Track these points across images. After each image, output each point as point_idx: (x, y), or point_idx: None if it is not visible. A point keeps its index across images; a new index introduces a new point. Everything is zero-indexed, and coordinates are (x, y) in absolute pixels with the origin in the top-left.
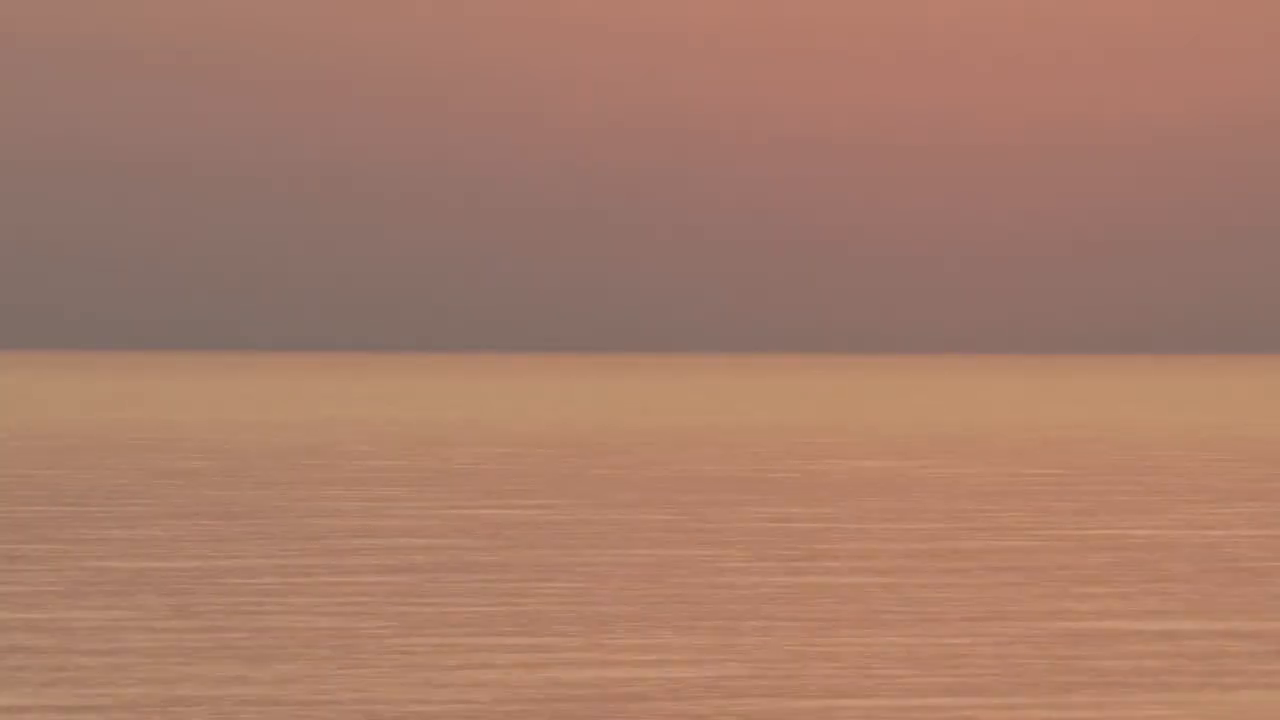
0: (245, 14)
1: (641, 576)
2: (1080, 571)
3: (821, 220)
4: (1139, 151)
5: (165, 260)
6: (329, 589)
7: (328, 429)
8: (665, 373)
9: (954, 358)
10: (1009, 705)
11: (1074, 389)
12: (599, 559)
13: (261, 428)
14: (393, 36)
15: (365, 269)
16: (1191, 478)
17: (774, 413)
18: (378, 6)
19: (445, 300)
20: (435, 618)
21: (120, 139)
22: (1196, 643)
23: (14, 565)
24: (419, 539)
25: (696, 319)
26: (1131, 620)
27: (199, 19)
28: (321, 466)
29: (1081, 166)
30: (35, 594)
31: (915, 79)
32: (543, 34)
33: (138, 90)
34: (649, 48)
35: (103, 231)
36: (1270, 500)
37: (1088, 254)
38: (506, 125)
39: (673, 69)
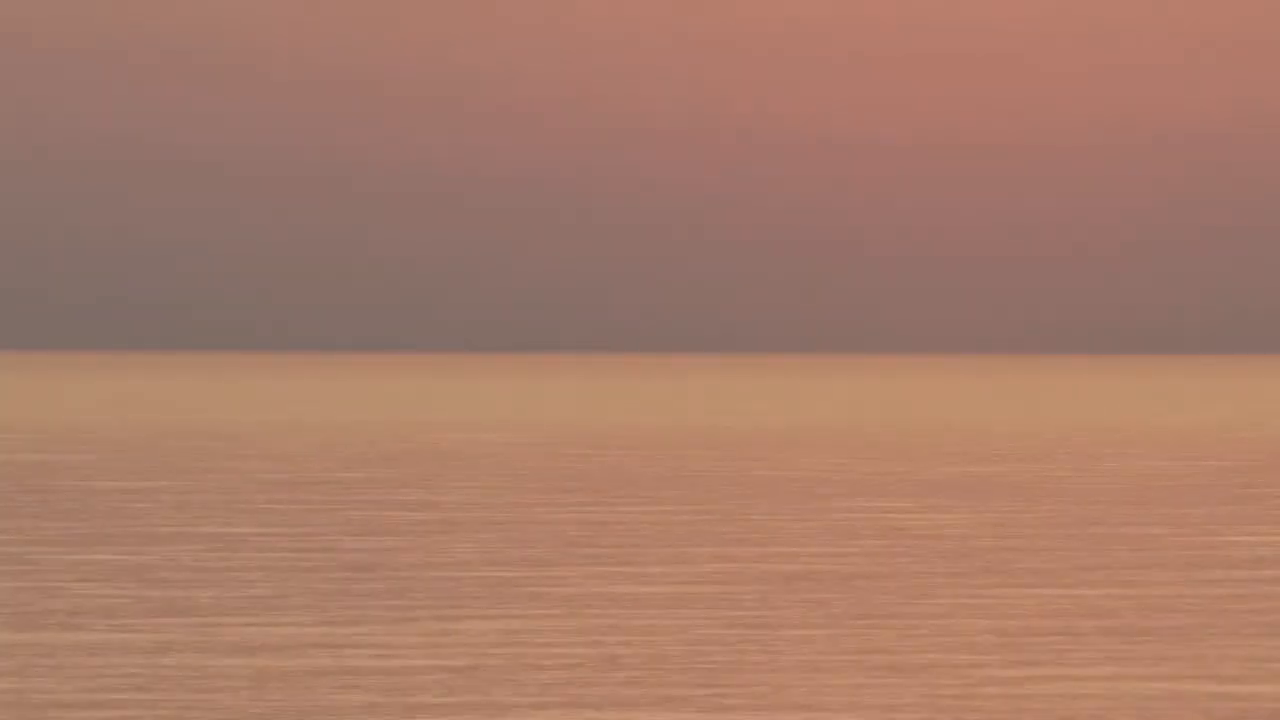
0: (246, 14)
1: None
2: None
3: (823, 221)
4: (1139, 151)
5: (163, 260)
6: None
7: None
8: (703, 372)
9: (951, 358)
10: None
11: (1132, 388)
12: None
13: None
14: (394, 37)
15: (366, 269)
16: None
17: (876, 412)
18: (380, 7)
19: (446, 300)
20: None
21: (119, 138)
22: None
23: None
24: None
25: (697, 319)
26: None
27: (199, 19)
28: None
29: (1083, 167)
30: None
31: (917, 79)
32: (544, 35)
33: (137, 90)
34: (650, 48)
35: (101, 231)
36: None
37: (1088, 254)
38: (508, 126)
39: (674, 70)
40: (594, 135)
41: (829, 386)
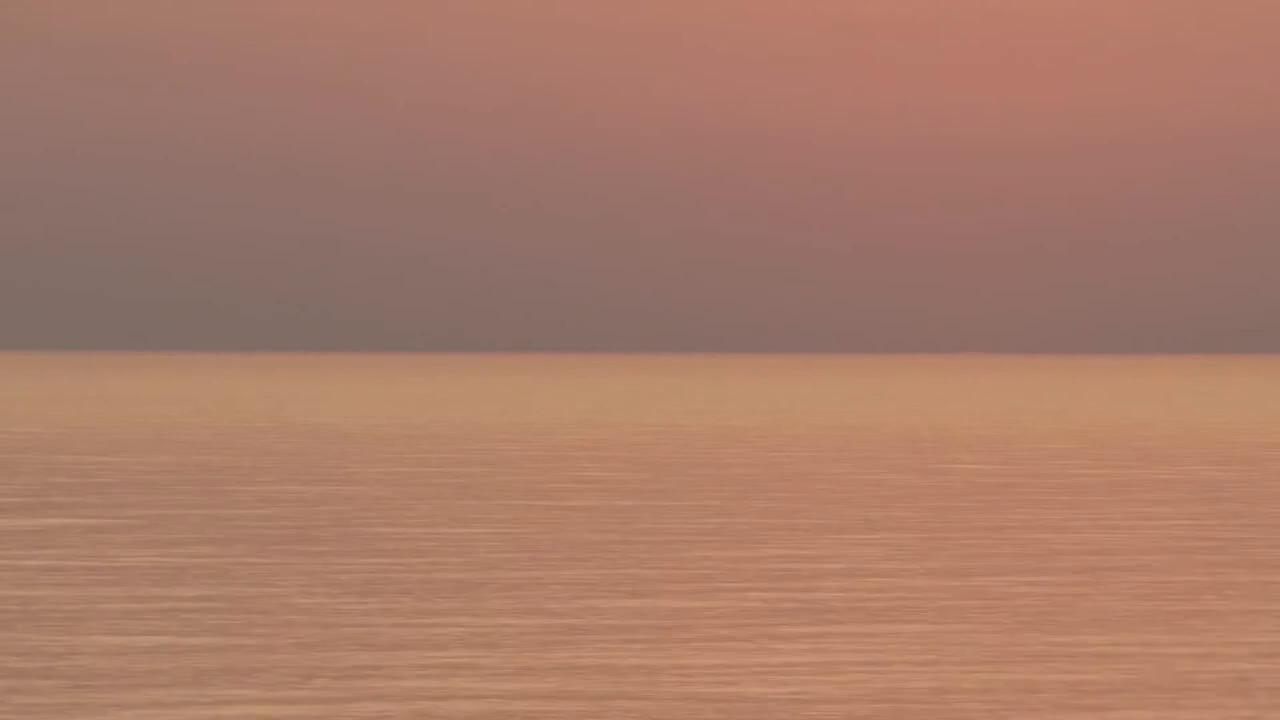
0: (246, 14)
1: None
2: None
3: (822, 221)
4: (1139, 151)
5: (163, 260)
6: None
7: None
8: (713, 373)
9: (952, 358)
10: None
11: (1153, 387)
12: None
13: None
14: (394, 37)
15: (366, 269)
16: None
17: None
18: (380, 7)
19: (445, 300)
20: None
21: (119, 138)
22: None
23: None
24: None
25: (697, 319)
26: None
27: (199, 19)
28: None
29: (1083, 167)
30: None
31: (917, 79)
32: (543, 35)
33: (138, 90)
34: (651, 49)
35: (101, 231)
36: None
37: (1088, 254)
38: (509, 125)
39: (675, 70)
40: (594, 135)
41: (844, 386)
